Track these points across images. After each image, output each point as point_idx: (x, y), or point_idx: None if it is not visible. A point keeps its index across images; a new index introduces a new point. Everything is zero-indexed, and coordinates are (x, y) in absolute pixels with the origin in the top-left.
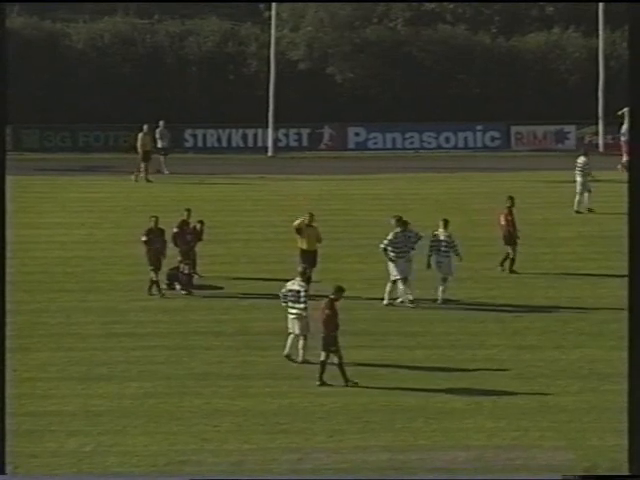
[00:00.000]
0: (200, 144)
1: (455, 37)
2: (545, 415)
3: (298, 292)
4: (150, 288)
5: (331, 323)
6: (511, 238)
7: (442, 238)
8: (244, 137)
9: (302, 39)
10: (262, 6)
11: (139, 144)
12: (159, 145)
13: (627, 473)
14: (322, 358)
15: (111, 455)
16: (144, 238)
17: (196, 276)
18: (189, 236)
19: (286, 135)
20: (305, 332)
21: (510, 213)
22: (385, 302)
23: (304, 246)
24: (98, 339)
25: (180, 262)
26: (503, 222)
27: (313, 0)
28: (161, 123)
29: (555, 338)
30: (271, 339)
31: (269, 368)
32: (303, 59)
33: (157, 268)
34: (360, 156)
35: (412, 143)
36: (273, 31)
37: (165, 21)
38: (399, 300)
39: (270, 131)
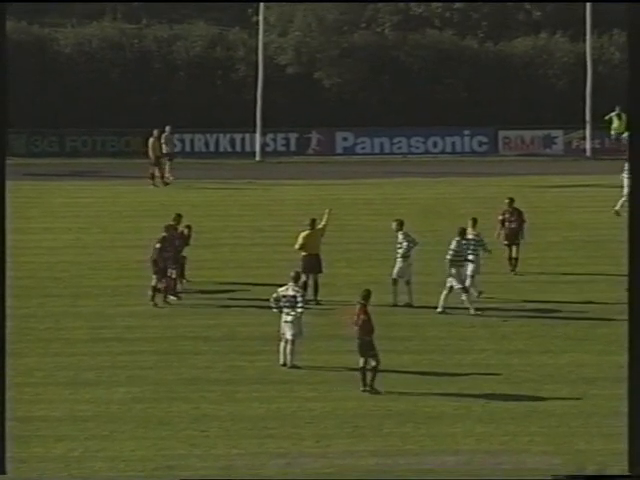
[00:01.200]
0: (188, 149)
1: (443, 42)
2: (533, 420)
3: (294, 297)
4: (165, 297)
5: (368, 328)
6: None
7: (471, 237)
8: (232, 142)
9: (290, 44)
10: (250, 11)
11: (150, 149)
12: (164, 150)
13: (627, 474)
14: (362, 364)
15: (99, 460)
16: (158, 245)
17: (184, 281)
18: (177, 241)
19: (274, 140)
20: (297, 337)
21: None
22: (439, 310)
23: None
24: (86, 344)
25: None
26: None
27: (304, 0)
28: (167, 128)
29: (543, 343)
30: (259, 344)
31: (257, 373)
32: (291, 64)
33: (162, 277)
34: (348, 161)
35: (400, 148)
36: (261, 36)
37: (153, 26)
38: (471, 311)
39: (258, 136)
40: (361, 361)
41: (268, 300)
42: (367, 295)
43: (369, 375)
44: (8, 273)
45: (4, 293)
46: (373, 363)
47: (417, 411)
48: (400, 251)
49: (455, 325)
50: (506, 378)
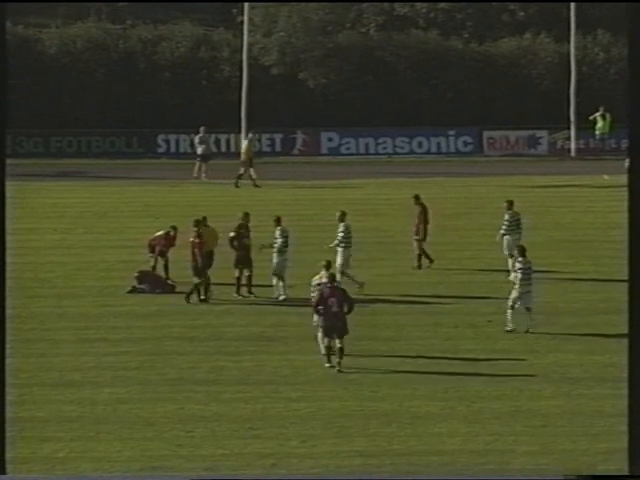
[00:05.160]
0: (173, 149)
1: (427, 42)
2: (518, 419)
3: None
4: (198, 294)
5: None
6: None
7: (518, 218)
8: (217, 142)
9: (274, 44)
10: (235, 11)
11: (244, 150)
12: (199, 151)
13: (627, 473)
14: (340, 345)
15: (84, 461)
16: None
17: (169, 281)
18: (163, 241)
19: (259, 140)
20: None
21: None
22: None
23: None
24: (71, 345)
25: (153, 267)
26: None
27: (289, 0)
28: (202, 129)
29: (527, 343)
30: (244, 344)
31: (242, 373)
32: (276, 64)
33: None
34: (333, 161)
35: (385, 148)
36: (245, 36)
37: (138, 26)
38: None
39: (243, 136)
40: (338, 342)
41: (255, 299)
42: (333, 277)
43: (337, 355)
44: None
45: (4, 293)
46: (339, 345)
47: (402, 411)
48: (275, 246)
49: (439, 325)
50: (491, 378)
